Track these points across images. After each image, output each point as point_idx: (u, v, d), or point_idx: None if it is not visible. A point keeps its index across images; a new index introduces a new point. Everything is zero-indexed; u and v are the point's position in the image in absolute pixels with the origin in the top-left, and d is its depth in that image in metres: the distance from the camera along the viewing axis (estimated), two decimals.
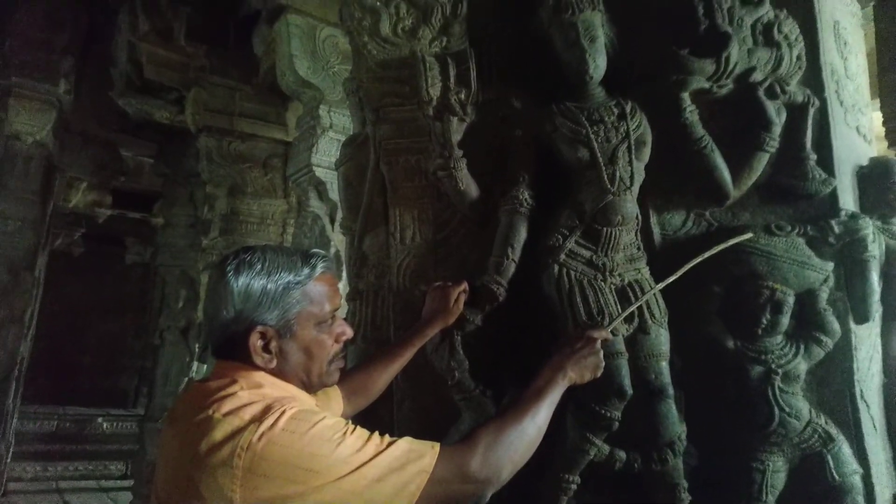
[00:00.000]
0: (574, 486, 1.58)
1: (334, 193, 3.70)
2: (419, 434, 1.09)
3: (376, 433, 1.03)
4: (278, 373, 1.08)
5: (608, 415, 1.54)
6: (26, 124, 5.60)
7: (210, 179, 5.47)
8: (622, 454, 1.60)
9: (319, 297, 1.11)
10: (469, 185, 1.72)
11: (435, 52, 1.74)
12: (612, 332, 1.50)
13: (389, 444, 1.00)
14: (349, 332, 1.20)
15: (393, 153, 1.79)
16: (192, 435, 0.95)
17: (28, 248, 5.66)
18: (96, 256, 10.20)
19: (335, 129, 3.88)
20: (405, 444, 1.03)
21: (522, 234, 1.68)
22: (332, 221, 3.82)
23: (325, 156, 3.83)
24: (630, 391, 1.55)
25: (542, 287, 1.66)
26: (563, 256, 1.64)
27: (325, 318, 1.12)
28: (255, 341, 1.05)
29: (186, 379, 5.85)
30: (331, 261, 1.18)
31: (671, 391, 1.61)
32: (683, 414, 1.65)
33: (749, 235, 1.65)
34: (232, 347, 1.07)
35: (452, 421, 1.64)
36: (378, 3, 1.76)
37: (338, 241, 3.73)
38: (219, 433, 0.93)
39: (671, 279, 1.57)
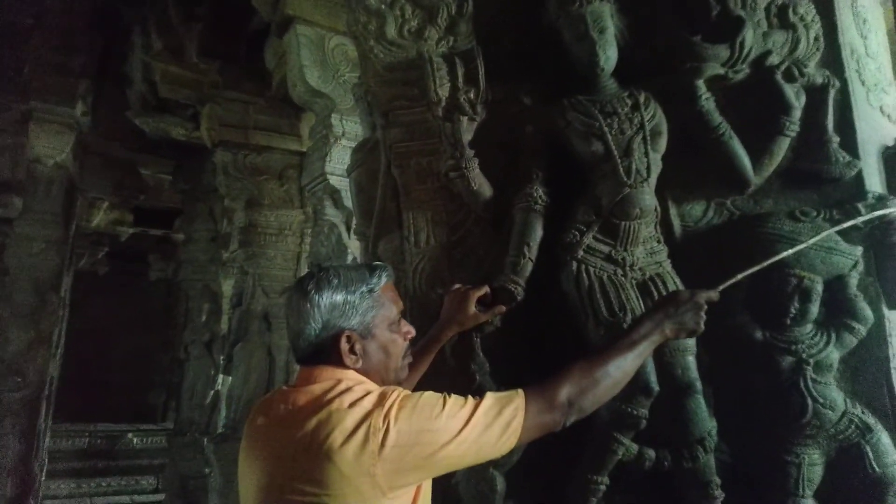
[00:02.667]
0: (603, 487, 1.55)
1: (349, 201, 3.70)
2: None
3: (469, 396, 1.17)
4: (364, 372, 1.22)
5: (635, 413, 1.50)
6: (47, 147, 5.69)
7: (227, 193, 5.51)
8: (651, 453, 1.56)
9: (388, 301, 1.27)
10: (482, 185, 1.70)
11: (442, 52, 1.73)
12: None
13: (479, 401, 1.16)
14: (413, 332, 1.33)
15: (404, 156, 1.77)
16: (317, 432, 1.07)
17: (53, 270, 5.73)
18: (120, 274, 10.35)
19: (348, 137, 3.88)
20: (490, 396, 1.18)
21: (538, 231, 1.65)
22: (349, 229, 3.82)
23: (339, 164, 3.83)
24: (656, 388, 1.51)
25: (560, 284, 1.63)
26: (581, 252, 1.61)
27: (394, 319, 1.28)
28: (344, 345, 1.19)
29: (212, 392, 5.89)
30: (391, 270, 1.32)
31: (699, 386, 1.57)
32: (713, 409, 1.60)
33: (891, 211, 1.57)
34: (320, 355, 1.20)
35: None
36: (382, 6, 1.74)
37: (354, 247, 3.74)
38: (350, 422, 1.07)
39: (765, 264, 1.48)
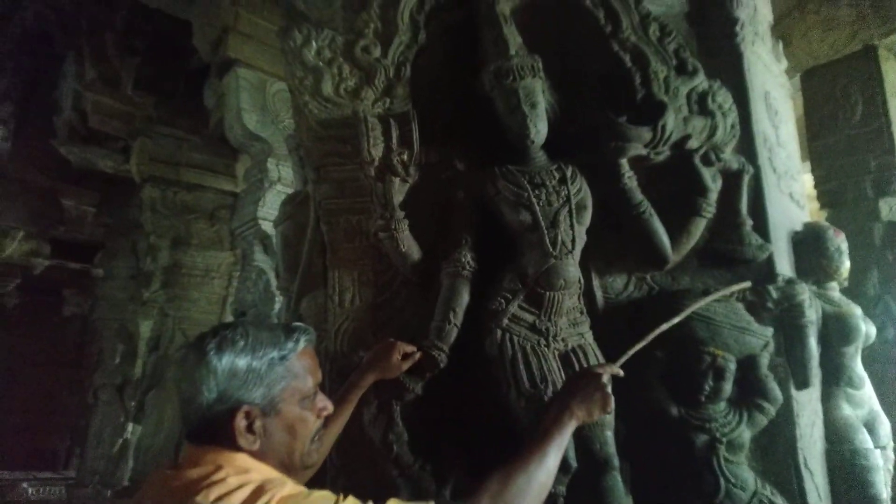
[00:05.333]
0: None
1: None
2: None
3: (370, 501, 0.98)
4: (261, 456, 1.02)
5: (553, 491, 1.47)
6: None
7: (153, 230, 5.31)
8: None
9: (303, 371, 1.08)
10: (411, 247, 1.68)
11: (378, 112, 1.73)
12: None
13: None
14: (330, 407, 1.15)
15: (333, 213, 1.74)
16: None
17: None
18: (31, 308, 9.67)
19: (283, 183, 3.83)
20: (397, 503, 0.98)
21: (465, 297, 1.64)
22: (278, 276, 3.71)
23: (272, 209, 3.75)
24: (575, 464, 1.50)
25: (484, 352, 1.61)
26: (506, 321, 1.61)
27: (308, 393, 1.08)
28: (241, 422, 0.99)
29: (121, 440, 5.51)
30: (313, 334, 1.14)
31: (616, 462, 1.56)
32: (629, 485, 1.60)
33: (748, 284, 1.65)
34: (212, 430, 1.00)
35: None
36: (321, 63, 1.74)
37: (280, 294, 3.63)
38: None
39: (661, 329, 1.51)
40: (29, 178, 6.40)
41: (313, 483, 1.42)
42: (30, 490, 7.62)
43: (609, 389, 1.31)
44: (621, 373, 1.41)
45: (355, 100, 1.72)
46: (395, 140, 1.69)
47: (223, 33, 3.70)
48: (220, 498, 0.90)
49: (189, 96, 5.19)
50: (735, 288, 1.65)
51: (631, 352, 1.48)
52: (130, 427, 5.34)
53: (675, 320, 1.52)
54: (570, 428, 1.23)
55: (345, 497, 0.96)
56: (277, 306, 3.61)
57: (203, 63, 4.66)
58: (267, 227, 3.75)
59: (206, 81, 4.70)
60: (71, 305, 9.75)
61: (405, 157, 1.70)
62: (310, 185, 1.82)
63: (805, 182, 2.32)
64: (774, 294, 1.68)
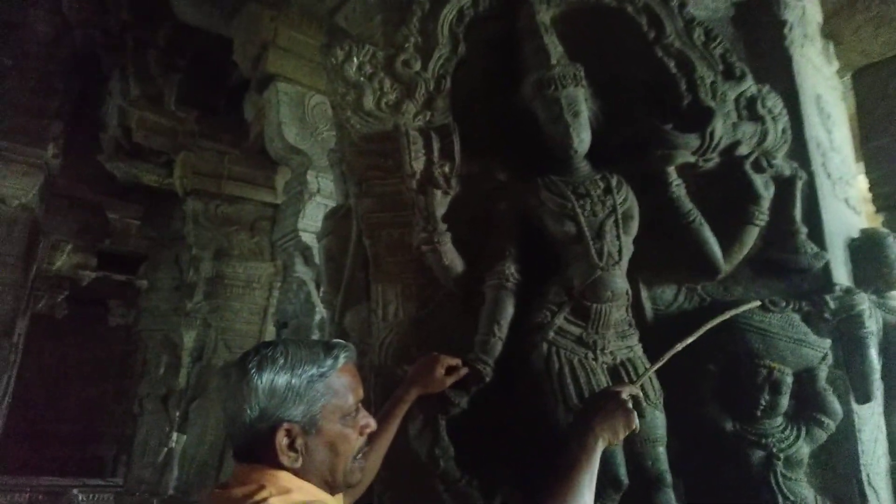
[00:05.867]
0: None
1: None
2: None
3: None
4: (304, 474, 1.03)
5: None
6: (12, 188, 5.57)
7: (196, 242, 5.42)
8: None
9: (343, 388, 1.08)
10: (454, 260, 1.67)
11: (418, 125, 1.72)
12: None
13: None
14: (373, 424, 1.14)
15: (376, 227, 1.75)
16: None
17: (7, 314, 5.53)
18: (79, 319, 10.01)
19: (322, 195, 3.86)
20: None
21: (509, 310, 1.62)
22: (318, 287, 3.75)
23: (312, 221, 3.80)
24: (626, 481, 1.46)
25: (530, 366, 1.58)
26: (552, 334, 1.58)
27: (349, 410, 1.08)
28: (282, 439, 1.00)
29: (166, 450, 5.62)
30: (353, 351, 1.14)
31: (669, 479, 1.52)
32: (683, 503, 1.55)
33: (758, 303, 1.59)
34: (255, 448, 1.02)
35: None
36: (362, 79, 1.75)
37: (323, 307, 3.66)
38: None
39: (686, 342, 1.47)
40: (77, 193, 6.62)
41: (362, 500, 1.43)
42: (80, 496, 7.84)
43: (631, 406, 1.26)
44: (639, 392, 1.38)
45: (396, 114, 1.72)
46: (436, 153, 1.68)
47: (263, 49, 3.77)
48: None
49: (230, 111, 5.30)
50: (744, 308, 1.59)
51: (651, 370, 1.47)
52: (175, 436, 5.45)
53: (690, 340, 1.47)
54: (597, 451, 1.18)
55: None
56: (318, 317, 3.65)
57: (243, 78, 4.76)
58: (307, 238, 3.80)
59: (246, 95, 4.79)
60: (116, 316, 10.06)
61: (446, 169, 1.69)
62: (352, 200, 1.82)
63: (859, 185, 2.24)
64: (832, 304, 1.61)
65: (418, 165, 1.67)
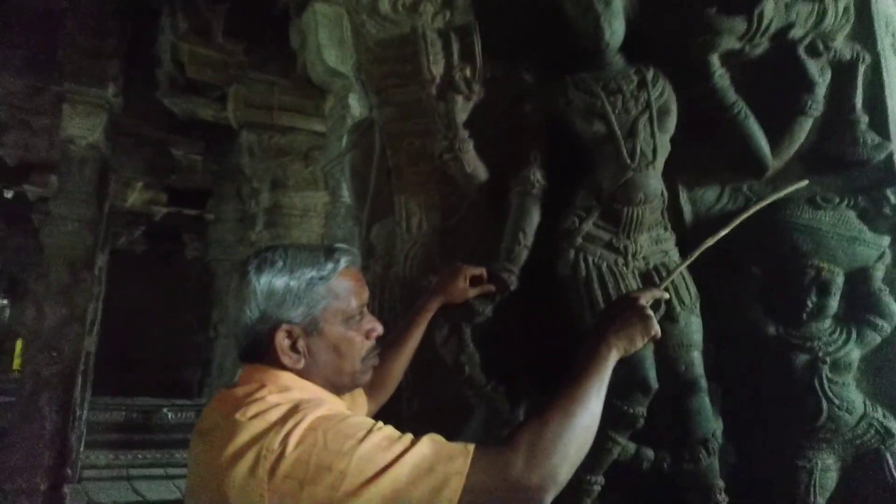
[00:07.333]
0: (597, 488, 1.47)
1: None
2: (429, 432, 0.97)
3: (408, 434, 0.94)
4: (307, 374, 1.04)
5: (631, 411, 1.41)
6: (79, 128, 5.80)
7: (253, 174, 5.54)
8: (650, 453, 1.48)
9: (345, 292, 1.07)
10: (477, 168, 1.62)
11: (437, 27, 1.63)
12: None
13: (411, 446, 0.91)
14: (380, 329, 1.14)
15: (396, 137, 1.70)
16: (219, 442, 0.92)
17: (87, 248, 5.87)
18: (157, 253, 10.60)
19: None
20: (432, 443, 0.93)
21: (535, 217, 1.56)
22: None
23: None
24: (655, 385, 1.42)
25: (557, 274, 1.54)
26: (579, 240, 1.52)
27: (352, 313, 1.08)
28: (282, 340, 1.02)
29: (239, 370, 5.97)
30: (355, 255, 1.13)
31: (704, 384, 1.47)
32: (719, 408, 1.51)
33: (805, 182, 1.48)
34: (258, 349, 1.04)
35: (465, 418, 1.56)
36: None
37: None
38: (244, 437, 0.90)
39: (719, 235, 1.37)
40: (141, 131, 6.82)
41: (389, 404, 1.46)
42: (169, 415, 8.54)
43: (650, 311, 1.17)
44: (666, 295, 1.30)
45: (413, 15, 1.63)
46: (456, 55, 1.60)
47: None
48: (256, 415, 0.92)
49: (276, 40, 5.25)
50: (790, 189, 1.46)
51: (677, 270, 1.39)
52: None
53: (723, 233, 1.37)
54: (610, 361, 1.10)
55: (382, 427, 0.94)
56: None
57: (287, 5, 4.68)
58: None
59: (291, 23, 4.72)
60: (191, 249, 10.56)
61: (468, 72, 1.61)
62: (374, 111, 1.77)
63: None
64: (893, 199, 1.47)
65: (437, 70, 1.60)
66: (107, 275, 7.30)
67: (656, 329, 1.16)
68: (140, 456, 7.95)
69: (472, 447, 0.93)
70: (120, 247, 9.16)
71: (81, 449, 7.03)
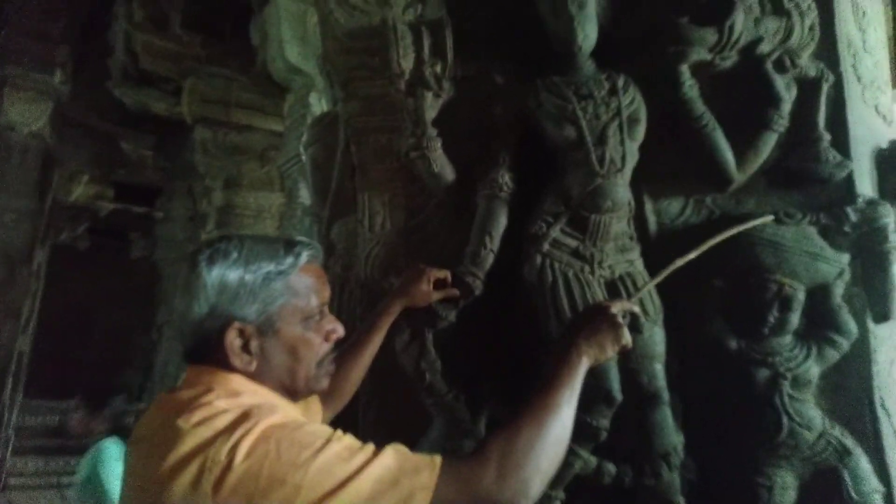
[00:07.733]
0: (558, 502, 1.43)
1: None
2: (386, 442, 0.91)
3: (370, 444, 0.87)
4: (259, 377, 0.95)
5: (595, 424, 1.38)
6: (22, 115, 5.53)
7: (206, 172, 5.37)
8: (611, 467, 1.44)
9: (305, 289, 0.98)
10: (444, 168, 1.57)
11: (408, 20, 1.59)
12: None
13: (373, 458, 0.85)
14: (340, 331, 1.05)
15: (362, 132, 1.63)
16: (158, 451, 0.83)
17: (25, 242, 5.59)
18: (102, 250, 10.14)
19: None
20: (396, 454, 0.87)
21: (502, 221, 1.52)
22: None
23: None
24: (619, 397, 1.39)
25: (523, 279, 1.50)
26: (546, 246, 1.49)
27: (311, 313, 0.99)
28: (233, 339, 0.92)
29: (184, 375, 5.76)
30: (317, 249, 1.04)
31: (666, 396, 1.45)
32: (681, 422, 1.49)
33: (771, 218, 1.47)
34: (206, 349, 0.94)
35: (423, 428, 1.49)
36: None
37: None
38: (187, 445, 0.81)
39: (688, 257, 1.35)
40: (89, 122, 6.55)
41: (344, 413, 1.39)
42: None
43: (621, 320, 1.14)
44: (636, 308, 1.28)
45: (384, 6, 1.59)
46: (426, 50, 1.56)
47: None
48: (201, 422, 0.83)
49: (236, 35, 5.12)
50: (756, 222, 1.46)
51: (649, 285, 1.38)
52: None
53: (692, 255, 1.35)
54: (581, 368, 1.07)
55: (341, 436, 0.87)
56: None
57: (249, 1, 4.57)
58: None
59: (253, 19, 4.61)
60: (138, 248, 10.17)
61: (438, 69, 1.57)
62: (339, 105, 1.71)
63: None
64: (853, 216, 1.48)
65: (407, 64, 1.55)
66: (46, 271, 6.95)
67: (627, 338, 1.13)
68: (73, 463, 7.55)
69: (438, 459, 0.87)
70: (62, 242, 8.74)
71: (8, 455, 6.64)
